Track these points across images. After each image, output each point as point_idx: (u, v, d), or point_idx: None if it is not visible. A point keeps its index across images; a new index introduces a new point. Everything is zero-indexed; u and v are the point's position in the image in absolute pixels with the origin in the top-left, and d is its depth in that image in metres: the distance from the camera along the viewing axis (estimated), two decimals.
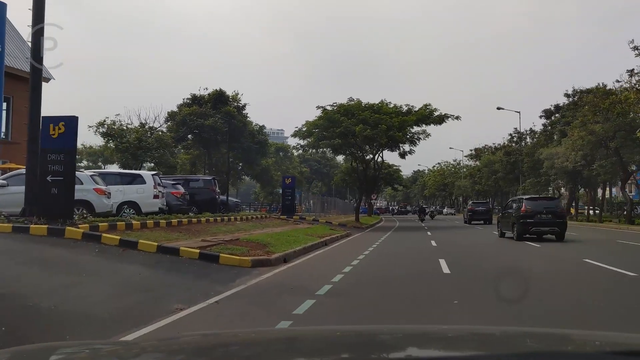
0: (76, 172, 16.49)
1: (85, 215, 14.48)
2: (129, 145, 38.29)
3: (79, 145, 58.74)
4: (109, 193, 16.96)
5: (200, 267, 11.16)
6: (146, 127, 45.32)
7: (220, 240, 14.57)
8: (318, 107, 38.64)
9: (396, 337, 2.06)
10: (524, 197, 23.48)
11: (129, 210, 18.81)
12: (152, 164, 42.10)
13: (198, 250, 12.04)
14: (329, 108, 38.17)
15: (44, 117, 13.53)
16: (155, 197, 19.16)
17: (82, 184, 16.02)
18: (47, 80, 33.81)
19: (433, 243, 20.23)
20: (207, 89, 50.80)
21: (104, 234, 12.55)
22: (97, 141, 69.35)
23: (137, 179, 19.44)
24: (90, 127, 43.29)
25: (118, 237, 12.43)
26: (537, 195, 28.02)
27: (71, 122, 13.32)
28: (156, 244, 12.25)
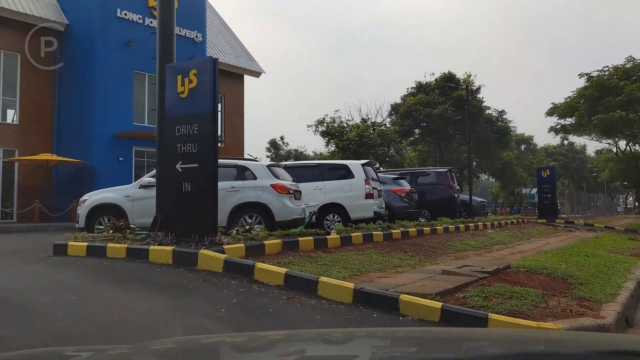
0: (249, 162, 11.17)
1: (249, 228, 8.83)
2: (349, 142, 33.95)
3: (308, 151, 56.71)
4: (298, 192, 11.28)
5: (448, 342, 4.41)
6: (368, 122, 40.77)
7: (475, 269, 7.65)
8: (581, 75, 29.47)
9: None
10: None
11: (333, 217, 13.01)
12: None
13: (439, 305, 5.38)
14: (594, 74, 28.76)
15: (168, 67, 8.21)
16: (369, 196, 13.07)
17: (254, 177, 10.62)
18: (258, 74, 30.83)
19: None
20: (433, 74, 44.16)
21: (258, 264, 6.68)
22: (319, 143, 67.15)
23: (341, 172, 13.57)
24: (309, 126, 40.50)
25: (283, 271, 6.46)
26: None
27: (207, 69, 7.75)
28: (351, 286, 5.92)
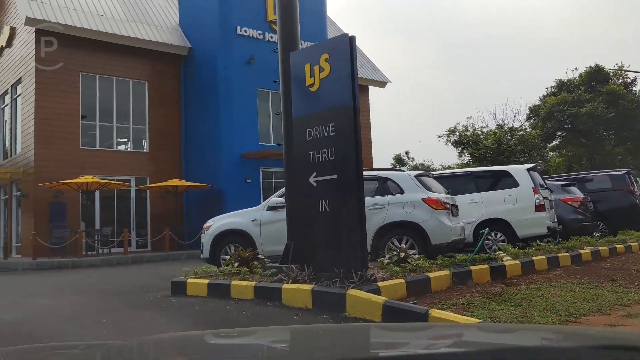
0: (393, 172, 9.26)
1: (405, 255, 6.81)
2: (486, 151, 31.15)
3: (435, 164, 53.84)
4: (455, 207, 9.12)
5: None
6: (504, 127, 37.37)
7: None
8: None
9: None
10: None
11: (496, 236, 10.63)
12: None
13: None
14: None
15: (292, 55, 6.54)
16: (539, 208, 10.54)
17: (400, 191, 8.65)
18: (384, 84, 29.02)
19: None
20: (576, 69, 39.66)
21: (433, 311, 4.67)
22: (446, 155, 63.87)
23: (502, 180, 11.15)
24: (439, 136, 37.95)
25: (474, 322, 4.39)
26: None
27: (342, 50, 5.94)
28: None
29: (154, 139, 21.33)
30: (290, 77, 6.45)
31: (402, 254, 6.71)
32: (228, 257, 8.64)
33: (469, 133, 34.96)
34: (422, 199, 8.47)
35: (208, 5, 21.17)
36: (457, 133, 35.44)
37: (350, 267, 5.55)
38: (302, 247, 6.34)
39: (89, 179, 17.44)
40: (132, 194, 20.64)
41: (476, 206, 10.84)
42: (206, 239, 9.75)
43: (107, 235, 17.70)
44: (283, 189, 9.57)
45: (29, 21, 18.34)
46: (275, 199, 9.28)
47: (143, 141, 21.52)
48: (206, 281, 6.78)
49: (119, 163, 20.37)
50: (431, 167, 55.86)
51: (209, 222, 10.06)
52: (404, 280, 5.69)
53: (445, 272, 6.22)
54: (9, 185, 21.27)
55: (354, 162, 5.74)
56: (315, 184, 5.99)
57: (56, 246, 16.41)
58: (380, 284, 5.45)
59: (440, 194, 8.88)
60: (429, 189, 8.80)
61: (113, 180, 19.06)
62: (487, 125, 37.12)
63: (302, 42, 20.68)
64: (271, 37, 21.46)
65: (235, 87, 20.45)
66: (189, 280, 7.02)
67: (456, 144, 35.45)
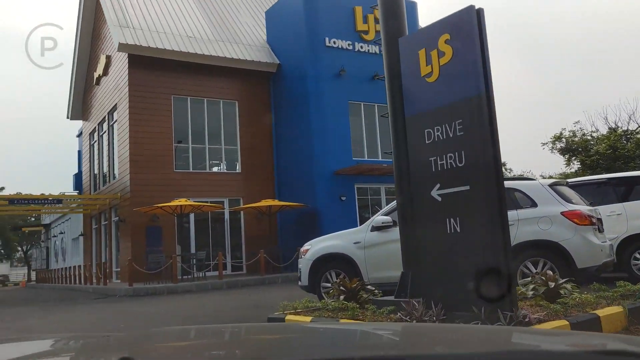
0: (520, 182, 7.82)
1: (558, 284, 5.35)
2: (598, 157, 28.47)
3: (535, 175, 50.66)
4: (600, 221, 7.49)
5: None
6: (619, 131, 34.07)
7: None
8: None
9: None
10: None
11: None
12: None
13: None
14: None
15: (401, 41, 5.37)
16: None
17: (532, 204, 7.19)
18: None
19: None
20: None
21: None
22: (547, 164, 60.08)
23: None
24: (544, 144, 35.18)
25: None
26: None
27: (468, 25, 4.69)
28: None
29: (246, 159, 20.89)
30: (399, 69, 5.28)
31: (551, 283, 5.27)
32: (329, 285, 7.55)
33: (577, 139, 32.25)
34: (562, 213, 6.94)
35: (295, 19, 20.57)
36: (564, 139, 32.76)
37: (495, 304, 4.24)
38: (423, 278, 5.10)
39: (182, 202, 17.12)
40: (226, 215, 20.22)
41: (618, 219, 9.08)
42: (304, 264, 8.70)
43: (202, 259, 17.25)
44: (390, 206, 8.35)
45: (121, 47, 18.50)
46: (380, 217, 8.06)
47: (235, 162, 21.14)
48: (308, 319, 5.69)
49: (212, 185, 20.05)
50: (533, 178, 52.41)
51: (306, 246, 9.02)
52: (567, 322, 4.29)
53: (617, 309, 4.73)
54: (108, 211, 21.58)
55: (493, 167, 4.45)
56: (439, 198, 4.75)
57: (152, 271, 16.13)
58: (536, 327, 4.09)
59: (583, 206, 7.31)
60: (568, 200, 7.25)
61: (207, 202, 18.70)
62: (597, 130, 34.01)
63: None
64: (361, 47, 20.50)
65: (327, 101, 19.60)
66: (288, 317, 5.97)
67: (563, 151, 32.76)
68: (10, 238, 54.18)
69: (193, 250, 19.11)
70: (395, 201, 6.48)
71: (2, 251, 59.14)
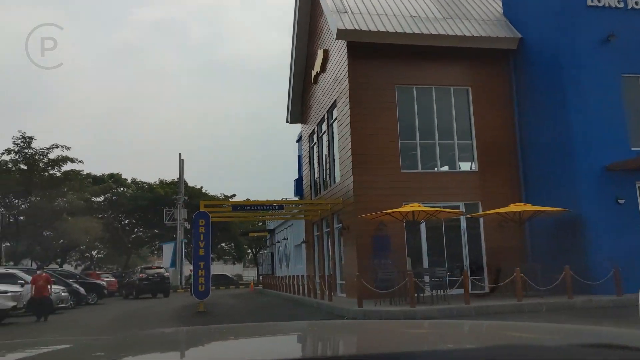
0: None
1: None
2: None
3: None
4: None
5: None
6: None
7: None
8: None
9: None
10: None
11: None
12: None
13: None
14: None
15: None
16: None
17: None
18: None
19: None
20: None
21: None
22: None
23: None
24: None
25: None
26: None
27: None
28: None
29: (483, 156, 17.50)
30: None
31: None
32: None
33: None
34: None
35: None
36: None
37: None
38: None
39: (415, 207, 14.43)
40: (463, 223, 17.05)
41: None
42: None
43: (442, 276, 14.28)
44: None
45: (340, 34, 16.55)
46: None
47: (470, 160, 17.86)
48: None
49: (444, 187, 17.08)
50: None
51: None
52: None
53: None
54: (330, 217, 19.93)
55: None
56: None
57: (383, 290, 13.69)
58: None
59: None
60: None
61: (439, 207, 15.78)
62: None
63: None
64: (635, 4, 15.78)
65: (590, 77, 15.31)
66: None
67: None
68: (241, 242, 57.70)
69: (425, 264, 16.32)
70: None
71: (234, 254, 63.48)
